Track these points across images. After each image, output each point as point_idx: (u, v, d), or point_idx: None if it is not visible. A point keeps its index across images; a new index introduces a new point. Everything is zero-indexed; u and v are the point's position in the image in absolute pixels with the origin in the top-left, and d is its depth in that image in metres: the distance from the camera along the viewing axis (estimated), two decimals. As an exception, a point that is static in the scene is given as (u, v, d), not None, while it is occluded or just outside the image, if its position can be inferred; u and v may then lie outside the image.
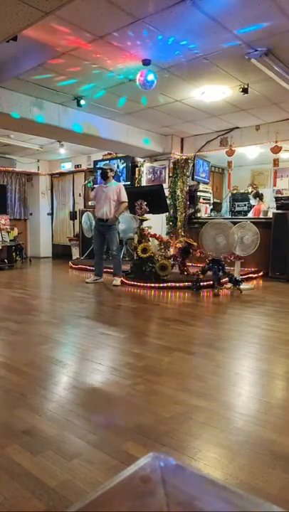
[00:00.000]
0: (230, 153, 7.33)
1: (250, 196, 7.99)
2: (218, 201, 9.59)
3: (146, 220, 6.12)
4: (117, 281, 5.94)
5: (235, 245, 5.30)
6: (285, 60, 4.33)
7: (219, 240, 5.22)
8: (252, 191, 8.14)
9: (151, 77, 4.37)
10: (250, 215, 7.96)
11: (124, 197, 5.93)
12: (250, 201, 8.08)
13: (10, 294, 5.33)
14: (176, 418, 1.88)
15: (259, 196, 7.73)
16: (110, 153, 8.97)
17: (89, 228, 8.07)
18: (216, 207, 9.20)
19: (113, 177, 6.11)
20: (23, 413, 1.93)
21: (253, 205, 7.96)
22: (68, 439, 1.69)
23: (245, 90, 4.99)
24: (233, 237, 5.23)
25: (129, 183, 8.32)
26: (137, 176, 8.48)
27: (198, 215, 7.94)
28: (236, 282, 5.34)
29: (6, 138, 7.92)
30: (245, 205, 8.60)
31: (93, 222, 6.73)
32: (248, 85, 4.97)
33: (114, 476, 0.50)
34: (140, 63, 4.34)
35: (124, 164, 8.67)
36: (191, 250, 5.95)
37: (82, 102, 5.59)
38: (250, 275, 6.45)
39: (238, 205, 8.76)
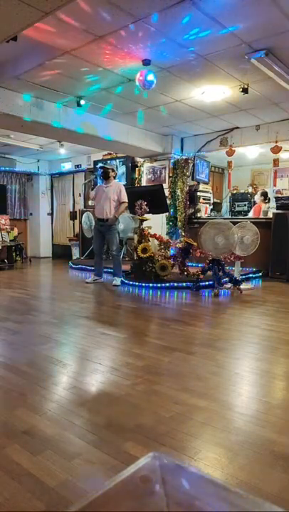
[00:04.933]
0: (230, 153, 7.33)
1: (259, 192, 7.94)
2: (218, 201, 9.60)
3: (147, 220, 6.12)
4: (117, 281, 5.94)
5: (235, 245, 5.30)
6: (285, 60, 4.33)
7: (218, 240, 5.22)
8: (258, 190, 8.11)
9: (150, 77, 4.37)
10: (250, 213, 7.96)
11: (125, 197, 5.93)
12: (255, 197, 8.06)
13: (10, 294, 5.33)
14: (176, 418, 1.88)
15: (264, 196, 7.73)
16: (110, 153, 8.97)
17: (89, 228, 8.07)
18: (216, 207, 9.20)
19: (114, 177, 6.12)
20: (23, 413, 1.93)
21: (256, 203, 7.93)
22: (68, 439, 1.69)
23: (245, 90, 4.99)
24: (233, 237, 5.23)
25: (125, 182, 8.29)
26: (137, 176, 8.48)
27: (198, 215, 7.94)
28: (236, 282, 5.34)
29: (6, 138, 7.92)
30: (245, 205, 8.60)
31: (93, 222, 6.74)
32: (248, 85, 4.97)
33: (114, 476, 0.50)
34: (140, 63, 4.34)
35: (124, 166, 8.67)
36: (191, 250, 5.95)
37: (82, 102, 5.58)
38: (250, 275, 6.45)
39: (238, 205, 8.76)
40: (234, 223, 5.41)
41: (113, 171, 6.11)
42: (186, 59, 4.30)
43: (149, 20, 3.46)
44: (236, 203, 8.78)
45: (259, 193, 7.84)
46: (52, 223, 11.16)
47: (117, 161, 8.77)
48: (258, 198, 7.82)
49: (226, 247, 5.23)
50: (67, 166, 10.32)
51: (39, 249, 10.97)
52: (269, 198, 7.75)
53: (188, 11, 3.32)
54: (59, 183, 10.86)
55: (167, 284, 5.68)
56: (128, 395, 2.15)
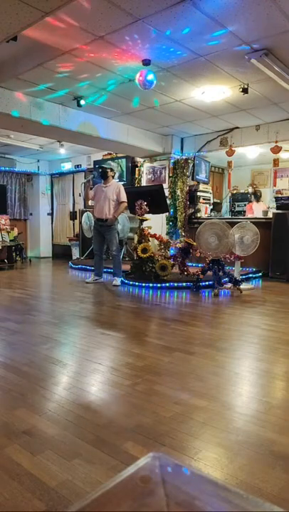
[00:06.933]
0: (230, 153, 7.33)
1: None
2: (218, 201, 9.60)
3: (147, 220, 6.12)
4: (117, 281, 5.94)
5: (235, 245, 5.30)
6: (285, 60, 4.33)
7: (211, 240, 5.22)
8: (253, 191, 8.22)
9: (150, 77, 4.37)
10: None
11: (124, 197, 5.92)
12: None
13: (10, 294, 5.33)
14: (176, 418, 1.88)
15: (254, 195, 7.83)
16: (110, 153, 8.97)
17: (89, 228, 8.07)
18: (216, 207, 9.20)
19: (113, 177, 6.11)
20: (23, 413, 1.93)
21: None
22: (68, 439, 1.69)
23: (245, 90, 4.99)
24: (226, 238, 5.23)
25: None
26: (137, 176, 8.47)
27: (198, 215, 7.94)
28: (236, 282, 5.34)
29: (6, 138, 7.92)
30: (245, 205, 8.62)
31: (93, 222, 6.73)
32: (248, 85, 4.97)
33: (114, 476, 0.50)
34: (140, 63, 4.34)
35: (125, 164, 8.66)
36: (191, 250, 5.95)
37: (82, 102, 5.59)
38: (250, 275, 6.45)
39: (238, 205, 8.77)
40: (234, 223, 5.41)
41: (112, 170, 6.10)
42: (186, 59, 4.30)
43: (149, 20, 3.46)
44: (236, 203, 8.78)
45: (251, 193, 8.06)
46: (52, 223, 11.15)
47: (119, 160, 8.76)
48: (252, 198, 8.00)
49: (218, 247, 5.22)
50: (67, 166, 10.32)
51: (39, 249, 10.97)
52: (258, 196, 7.84)
53: (188, 10, 3.32)
54: (59, 183, 10.86)
55: (167, 284, 5.68)
56: (128, 395, 2.15)
